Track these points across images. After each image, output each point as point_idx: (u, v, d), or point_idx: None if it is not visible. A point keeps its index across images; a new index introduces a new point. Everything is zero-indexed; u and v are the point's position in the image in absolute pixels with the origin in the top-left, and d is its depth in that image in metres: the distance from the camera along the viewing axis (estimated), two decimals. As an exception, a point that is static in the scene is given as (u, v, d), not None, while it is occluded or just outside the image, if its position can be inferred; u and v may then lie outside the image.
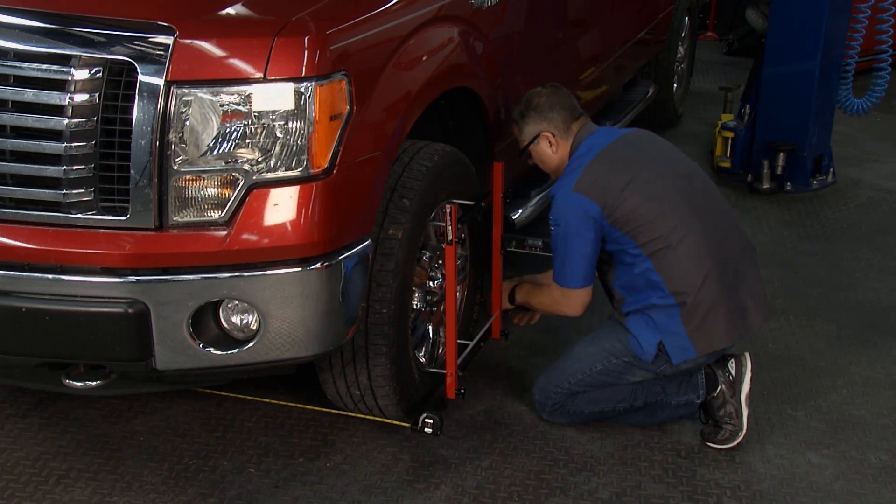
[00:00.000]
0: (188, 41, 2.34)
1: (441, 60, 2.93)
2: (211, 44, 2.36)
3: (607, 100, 5.01)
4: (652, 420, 3.11)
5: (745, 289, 3.01)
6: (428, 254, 3.05)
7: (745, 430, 3.02)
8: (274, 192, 2.40)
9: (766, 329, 3.73)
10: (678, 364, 2.96)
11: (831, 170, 5.25)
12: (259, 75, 2.35)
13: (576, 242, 2.98)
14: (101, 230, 2.39)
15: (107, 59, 2.35)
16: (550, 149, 3.16)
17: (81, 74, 2.34)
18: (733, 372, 3.03)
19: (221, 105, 2.35)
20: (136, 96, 2.33)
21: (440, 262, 3.07)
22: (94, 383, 2.56)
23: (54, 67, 2.36)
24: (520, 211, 3.56)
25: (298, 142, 2.39)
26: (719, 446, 3.01)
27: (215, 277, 2.41)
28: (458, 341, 3.00)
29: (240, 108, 2.36)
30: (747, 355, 3.08)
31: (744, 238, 3.12)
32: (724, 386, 3.01)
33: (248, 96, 2.35)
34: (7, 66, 2.38)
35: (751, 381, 3.04)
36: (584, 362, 3.05)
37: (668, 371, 3.00)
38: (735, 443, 3.01)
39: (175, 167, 2.36)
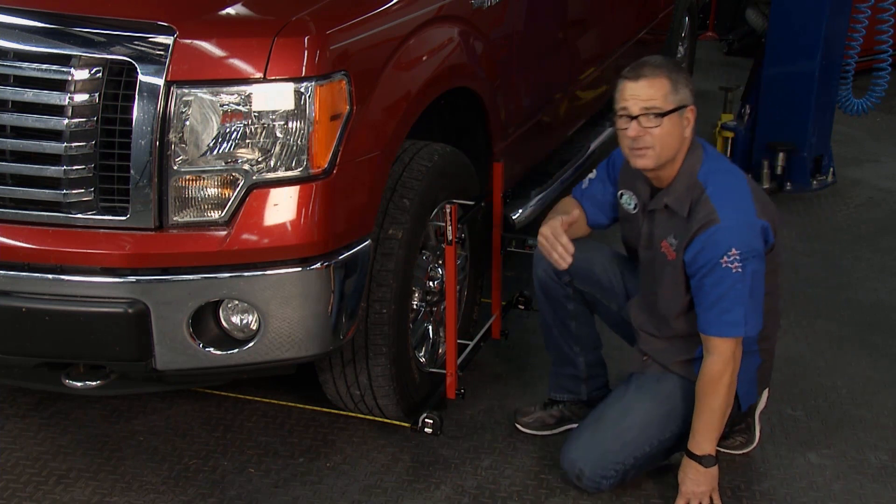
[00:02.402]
0: (188, 41, 2.34)
1: (441, 60, 2.93)
2: (211, 44, 2.36)
3: (607, 100, 5.00)
4: None
5: None
6: (428, 254, 3.05)
7: (756, 441, 3.01)
8: (274, 192, 2.40)
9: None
10: (743, 410, 2.86)
11: (831, 170, 5.25)
12: (259, 75, 2.35)
13: (762, 282, 2.60)
14: (101, 230, 2.39)
15: (107, 59, 2.35)
16: (686, 129, 2.65)
17: (81, 74, 2.34)
18: None
19: (221, 105, 2.35)
20: (136, 96, 2.33)
21: (440, 262, 3.07)
22: (94, 383, 2.56)
23: (54, 67, 2.36)
24: (520, 211, 3.56)
25: (298, 142, 2.39)
26: (729, 451, 3.00)
27: (215, 277, 2.41)
28: (458, 341, 3.00)
29: (240, 108, 2.36)
30: None
31: None
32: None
33: (248, 96, 2.35)
34: (7, 66, 2.38)
35: (766, 398, 3.02)
36: (651, 431, 2.74)
37: (733, 417, 2.82)
38: (745, 451, 3.00)
39: (175, 167, 2.36)
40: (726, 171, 2.70)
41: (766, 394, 3.02)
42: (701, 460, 2.67)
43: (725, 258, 2.54)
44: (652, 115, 2.60)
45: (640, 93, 2.61)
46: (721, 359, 2.61)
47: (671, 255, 2.69)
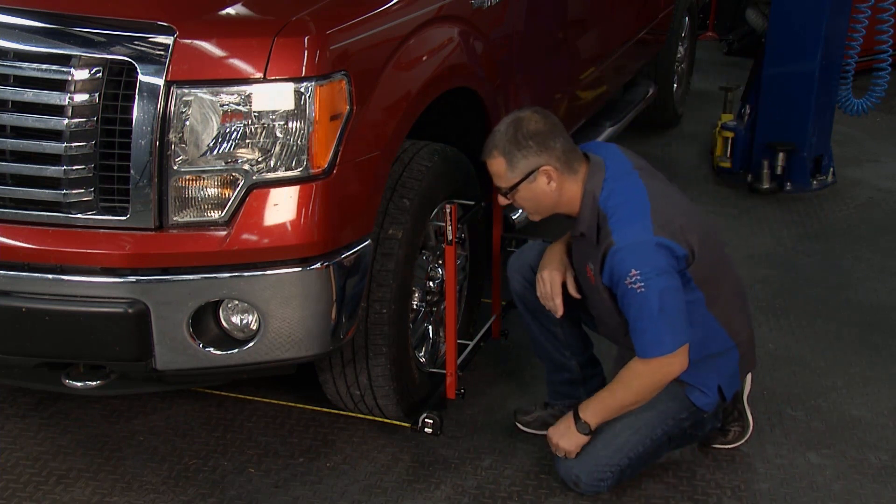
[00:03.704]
0: (188, 41, 2.34)
1: (441, 60, 2.93)
2: (211, 44, 2.36)
3: (607, 100, 5.01)
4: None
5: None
6: (428, 254, 3.05)
7: (752, 426, 3.02)
8: (274, 192, 2.40)
9: (766, 329, 3.74)
10: (728, 400, 2.89)
11: (831, 170, 5.26)
12: (259, 75, 2.35)
13: (674, 296, 2.57)
14: (101, 230, 2.39)
15: (107, 59, 2.35)
16: (548, 186, 2.68)
17: (81, 74, 2.34)
18: None
19: (221, 105, 2.35)
20: (136, 96, 2.33)
21: (440, 262, 3.07)
22: (94, 383, 2.56)
23: (54, 67, 2.36)
24: (520, 211, 3.55)
25: (298, 142, 2.39)
26: (729, 446, 3.01)
27: (215, 277, 2.41)
28: (458, 341, 3.00)
29: (240, 108, 2.36)
30: None
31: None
32: None
33: (248, 96, 2.35)
34: (7, 66, 2.38)
35: (750, 381, 3.04)
36: (643, 432, 2.75)
37: (720, 409, 2.89)
38: (744, 440, 3.02)
39: (175, 167, 2.36)
40: (626, 190, 2.66)
41: (749, 378, 3.03)
42: (578, 422, 2.73)
43: (628, 279, 2.55)
44: (502, 189, 2.73)
45: (489, 170, 2.73)
46: (648, 370, 2.64)
47: (592, 279, 2.72)
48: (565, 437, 2.77)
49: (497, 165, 2.69)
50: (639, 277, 2.53)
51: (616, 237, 2.58)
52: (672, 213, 2.64)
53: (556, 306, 2.87)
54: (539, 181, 2.66)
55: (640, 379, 2.66)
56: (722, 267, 2.82)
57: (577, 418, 2.75)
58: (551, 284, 2.86)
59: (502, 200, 2.79)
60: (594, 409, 2.74)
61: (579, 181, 2.69)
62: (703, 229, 2.74)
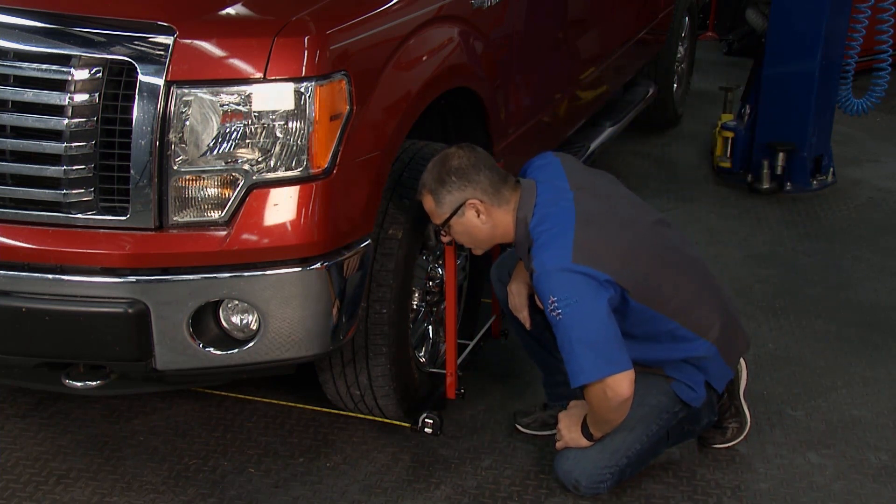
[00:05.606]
0: (188, 41, 2.35)
1: (441, 60, 2.93)
2: (211, 44, 2.36)
3: (607, 100, 5.01)
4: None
5: (724, 291, 2.96)
6: (428, 254, 3.05)
7: (749, 422, 3.02)
8: (274, 192, 2.40)
9: (766, 329, 3.74)
10: (721, 392, 2.90)
11: (831, 170, 5.25)
12: (259, 75, 2.35)
13: (597, 324, 2.53)
14: (101, 230, 2.39)
15: (107, 59, 2.35)
16: (479, 219, 2.70)
17: (81, 74, 2.34)
18: None
19: (221, 105, 2.35)
20: (136, 96, 2.33)
21: (440, 262, 3.07)
22: (94, 383, 2.56)
23: (54, 67, 2.36)
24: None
25: (298, 142, 2.39)
26: (728, 444, 3.02)
27: (215, 277, 2.41)
28: (458, 341, 3.00)
29: (240, 108, 2.36)
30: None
31: (696, 251, 2.98)
32: (724, 391, 2.98)
33: (248, 96, 2.35)
34: (7, 66, 2.38)
35: (746, 377, 3.04)
36: (638, 429, 2.75)
37: (714, 401, 2.90)
38: (743, 436, 3.02)
39: (175, 167, 2.36)
40: (554, 215, 2.65)
41: (744, 368, 3.04)
42: (584, 427, 2.74)
43: (549, 306, 2.55)
44: (438, 226, 2.77)
45: (424, 209, 2.76)
46: (592, 396, 2.60)
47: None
48: (572, 429, 2.77)
49: (427, 203, 2.72)
50: (556, 304, 2.53)
51: (535, 263, 2.59)
52: (599, 238, 2.60)
53: (524, 318, 2.93)
54: (468, 215, 2.69)
55: (592, 404, 2.64)
56: (677, 278, 2.77)
57: (586, 427, 2.75)
58: (518, 297, 2.92)
59: (444, 238, 2.81)
60: (590, 423, 2.74)
61: (511, 210, 2.71)
62: (643, 250, 2.69)
